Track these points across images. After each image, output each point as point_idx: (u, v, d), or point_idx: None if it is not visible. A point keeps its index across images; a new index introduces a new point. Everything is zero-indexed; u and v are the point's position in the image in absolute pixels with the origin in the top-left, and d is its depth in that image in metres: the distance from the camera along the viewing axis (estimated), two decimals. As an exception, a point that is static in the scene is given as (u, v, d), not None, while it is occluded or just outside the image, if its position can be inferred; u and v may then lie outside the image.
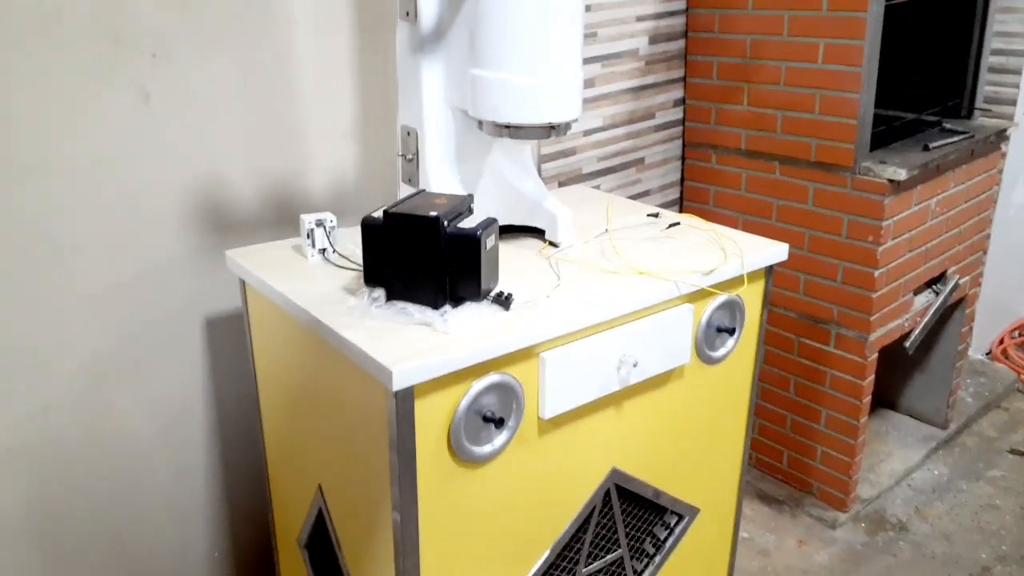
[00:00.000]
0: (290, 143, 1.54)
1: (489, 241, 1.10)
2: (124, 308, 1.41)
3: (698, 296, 1.31)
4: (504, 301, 1.13)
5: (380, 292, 1.13)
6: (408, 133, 1.38)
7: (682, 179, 2.36)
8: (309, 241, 1.32)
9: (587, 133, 2.06)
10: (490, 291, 1.14)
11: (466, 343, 1.05)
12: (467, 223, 1.10)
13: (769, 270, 1.44)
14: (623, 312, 1.21)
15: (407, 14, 1.31)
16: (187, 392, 1.54)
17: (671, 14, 2.16)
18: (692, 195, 2.34)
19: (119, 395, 1.45)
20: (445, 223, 1.07)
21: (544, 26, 1.17)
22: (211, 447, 1.60)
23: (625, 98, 2.13)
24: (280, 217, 1.56)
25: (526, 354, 1.12)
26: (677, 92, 2.26)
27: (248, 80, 1.45)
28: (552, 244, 1.42)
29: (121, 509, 1.51)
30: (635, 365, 1.23)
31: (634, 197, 2.25)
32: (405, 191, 1.43)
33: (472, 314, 1.11)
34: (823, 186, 2.00)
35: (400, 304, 1.11)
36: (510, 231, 1.45)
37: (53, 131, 1.28)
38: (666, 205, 2.35)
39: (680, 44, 2.21)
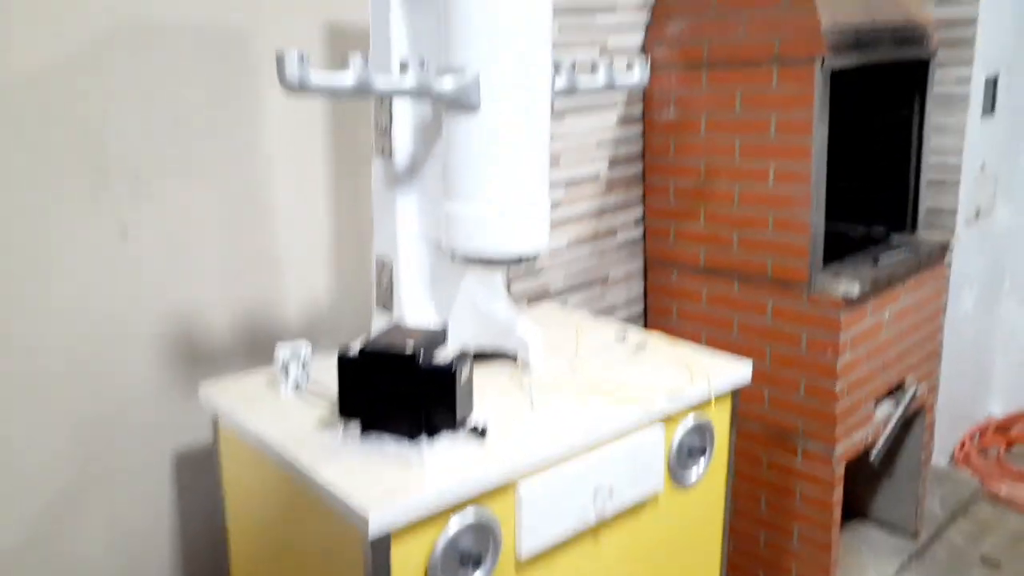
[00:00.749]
0: (265, 271, 1.55)
1: (464, 373, 1.11)
2: (91, 444, 1.38)
3: (669, 418, 1.32)
4: (480, 433, 1.13)
5: (355, 425, 1.12)
6: (383, 263, 1.41)
7: (645, 294, 2.42)
8: (283, 372, 1.31)
9: (553, 253, 2.12)
10: (466, 421, 1.13)
11: (443, 479, 1.04)
12: (441, 356, 1.11)
13: (736, 391, 1.47)
14: (597, 438, 1.21)
15: (383, 150, 1.36)
16: (153, 530, 1.48)
17: (628, 140, 2.26)
18: (656, 310, 2.39)
19: (81, 535, 1.39)
20: (420, 359, 1.07)
21: (512, 162, 1.23)
22: (172, 586, 1.53)
23: (588, 219, 2.20)
24: (254, 345, 1.55)
25: (502, 487, 1.11)
26: (637, 212, 2.34)
27: (225, 211, 1.47)
28: (524, 368, 1.43)
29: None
30: (611, 493, 1.22)
31: (600, 312, 2.29)
32: (379, 317, 1.45)
33: (448, 446, 1.10)
34: (781, 302, 2.07)
35: (375, 437, 1.10)
36: (483, 355, 1.46)
37: (29, 268, 1.27)
38: (631, 319, 2.39)
39: (638, 167, 2.31)
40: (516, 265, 1.29)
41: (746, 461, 2.20)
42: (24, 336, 1.29)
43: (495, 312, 1.44)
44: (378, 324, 1.45)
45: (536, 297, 2.09)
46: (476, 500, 1.07)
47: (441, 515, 1.04)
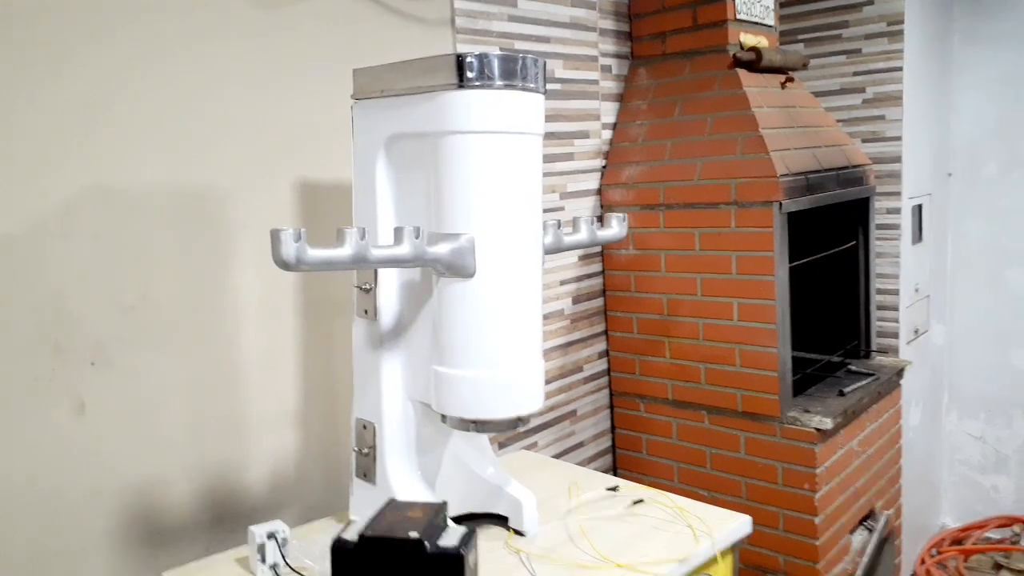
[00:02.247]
0: (230, 435, 1.46)
1: (472, 557, 1.04)
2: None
3: (674, 583, 1.27)
4: (489, 620, 1.05)
5: (354, 622, 1.03)
6: (364, 427, 1.34)
7: (613, 428, 2.39)
8: (259, 556, 1.21)
9: (522, 393, 2.08)
10: (473, 610, 1.06)
11: None
12: (447, 538, 1.04)
13: (736, 545, 1.43)
14: (608, 615, 1.15)
15: (365, 312, 1.32)
16: None
17: (589, 276, 2.29)
18: (624, 443, 2.35)
19: None
20: (428, 544, 1.01)
21: (509, 326, 1.21)
22: None
23: (555, 355, 2.18)
24: (219, 517, 1.44)
25: None
26: (601, 345, 2.34)
27: (190, 377, 1.40)
28: (517, 532, 1.36)
29: None
30: (624, 673, 1.15)
31: (570, 450, 2.24)
32: (359, 487, 1.37)
33: (456, 640, 1.02)
34: (754, 435, 2.07)
35: (378, 636, 1.01)
36: (471, 518, 1.39)
37: (-26, 452, 1.16)
38: (599, 455, 2.35)
39: (600, 302, 2.33)
40: (512, 429, 1.25)
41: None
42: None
43: (484, 473, 1.39)
44: (358, 497, 1.37)
45: (506, 440, 2.03)
46: None
47: None
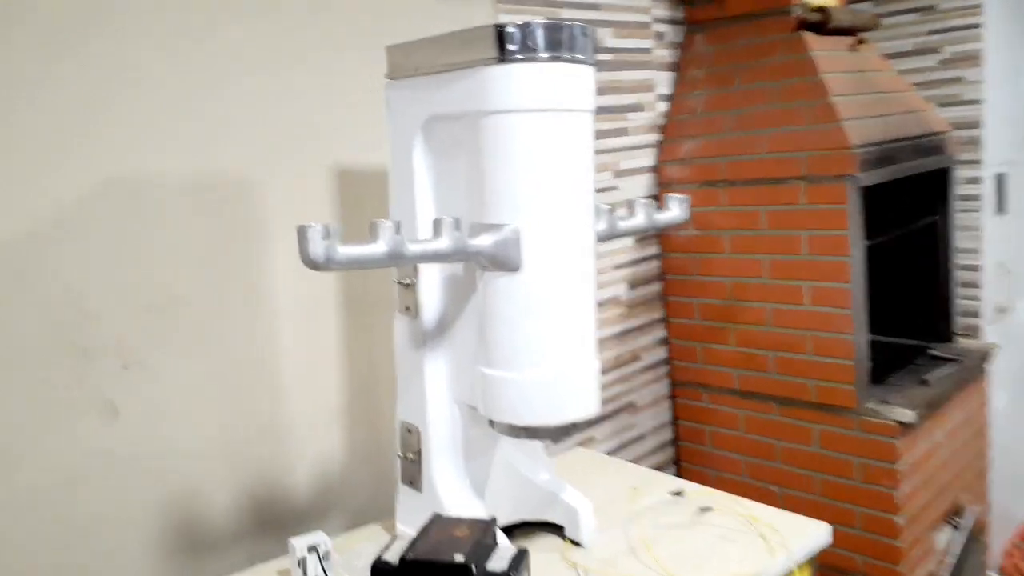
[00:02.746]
0: (270, 438, 1.39)
1: (524, 579, 0.95)
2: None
3: (748, 600, 1.16)
4: (544, 650, 0.96)
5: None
6: (408, 431, 1.26)
7: (674, 419, 2.27)
8: (300, 570, 1.14)
9: (577, 385, 1.97)
10: (527, 638, 0.96)
11: None
12: (497, 559, 0.95)
13: (814, 557, 1.31)
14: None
15: (407, 308, 1.23)
16: None
17: (646, 259, 2.16)
18: (687, 435, 2.23)
19: None
20: (475, 569, 0.91)
21: (560, 323, 1.10)
22: None
23: (612, 344, 2.07)
24: (261, 524, 1.38)
25: None
26: (660, 332, 2.22)
27: (228, 376, 1.33)
28: (574, 543, 1.26)
29: None
30: None
31: (629, 443, 2.13)
32: (405, 494, 1.29)
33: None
34: (828, 428, 1.92)
35: (423, 669, 0.93)
36: (524, 527, 1.30)
37: (7, 461, 1.11)
38: (660, 447, 2.24)
39: (658, 287, 2.20)
40: (566, 436, 1.14)
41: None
42: (4, 530, 1.11)
43: (537, 479, 1.29)
44: (404, 505, 1.29)
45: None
46: None
47: None
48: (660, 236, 2.18)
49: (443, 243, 1.03)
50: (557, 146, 1.07)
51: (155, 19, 1.22)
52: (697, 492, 1.44)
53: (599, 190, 1.98)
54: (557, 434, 1.14)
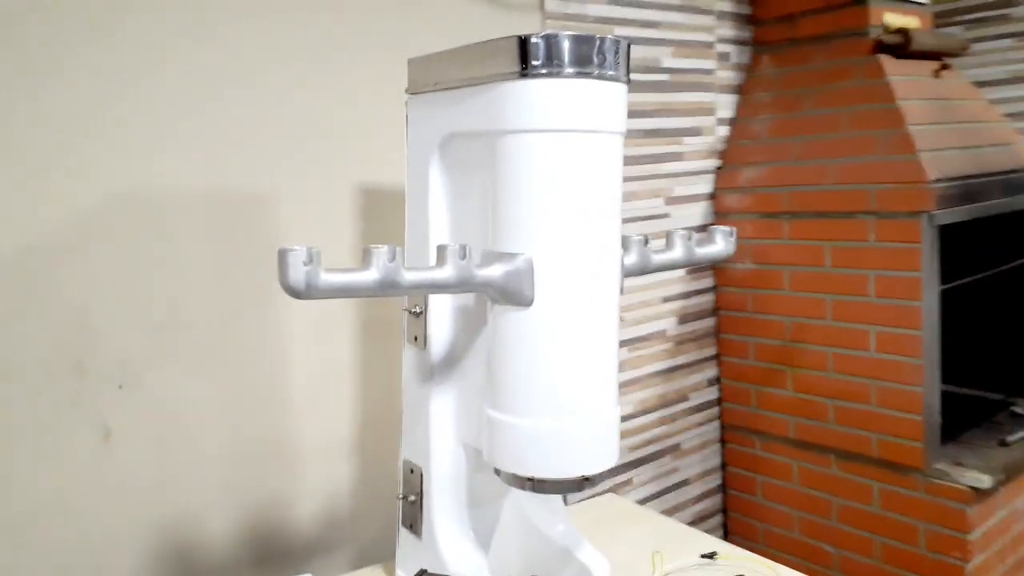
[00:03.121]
0: (274, 467, 1.32)
1: (510, 657, 0.84)
2: None
3: None
4: None
5: None
6: (411, 470, 1.17)
7: (723, 465, 2.12)
8: (285, 616, 1.06)
9: (616, 424, 1.85)
10: None
11: None
12: (481, 631, 0.84)
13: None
14: None
15: (415, 339, 1.15)
16: None
17: (698, 292, 2.03)
18: (736, 483, 2.08)
19: None
20: (453, 641, 0.81)
21: (574, 365, 0.99)
22: None
23: (655, 381, 1.94)
24: (261, 557, 1.31)
25: None
26: (711, 371, 2.08)
27: (229, 401, 1.27)
28: (587, 607, 1.14)
29: None
30: None
31: (671, 488, 1.99)
32: (405, 538, 1.19)
33: None
34: (890, 487, 1.75)
35: None
36: (534, 584, 1.19)
37: (1, 469, 1.07)
38: (707, 494, 2.09)
39: (711, 322, 2.06)
40: (577, 490, 1.03)
41: None
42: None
43: (551, 533, 1.18)
44: (404, 549, 1.19)
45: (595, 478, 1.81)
46: None
47: None
48: (715, 269, 2.04)
49: (446, 272, 0.94)
50: (579, 170, 0.97)
51: (166, 26, 1.18)
52: (732, 555, 1.30)
53: (649, 217, 1.87)
54: (568, 488, 1.03)
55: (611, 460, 1.04)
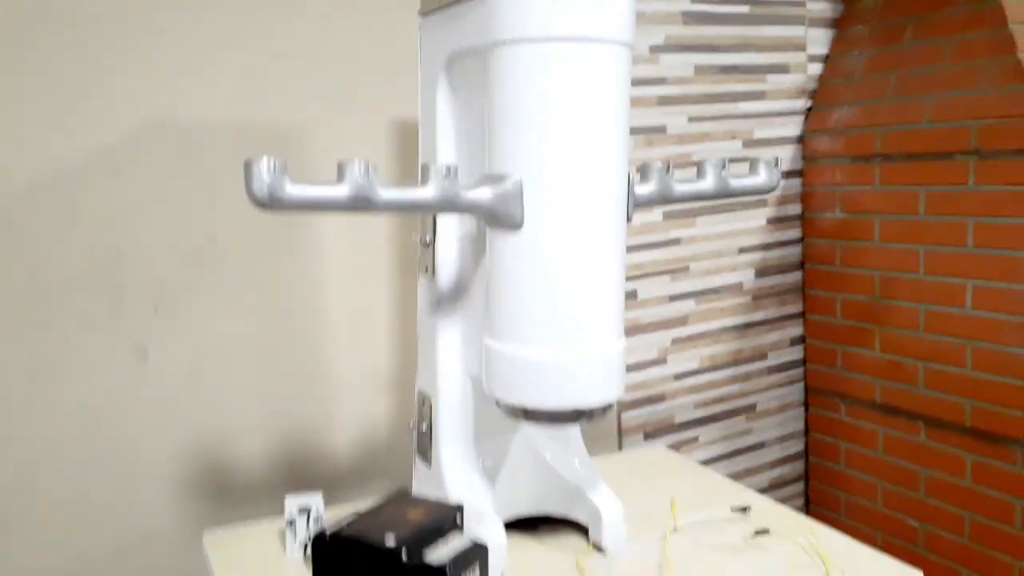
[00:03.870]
0: (312, 395, 1.36)
1: (467, 579, 0.82)
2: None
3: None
4: (487, 663, 0.83)
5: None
6: (423, 401, 1.16)
7: (806, 430, 1.98)
8: (291, 530, 1.09)
9: (679, 377, 1.78)
10: (469, 646, 0.84)
11: None
12: (442, 550, 0.83)
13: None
14: None
15: (425, 269, 1.14)
16: None
17: (782, 244, 1.89)
18: (819, 450, 1.94)
19: None
20: (405, 555, 0.80)
21: (568, 291, 0.95)
22: None
23: (728, 337, 1.84)
24: (294, 481, 1.36)
25: None
26: (794, 329, 1.94)
27: (264, 328, 1.31)
28: (597, 548, 1.11)
29: None
30: None
31: (745, 450, 1.89)
32: (418, 467, 1.20)
33: None
34: (985, 460, 1.57)
35: (346, 657, 0.84)
36: (549, 523, 1.16)
37: (32, 392, 1.16)
38: (786, 460, 1.97)
39: (796, 276, 1.92)
40: (572, 423, 0.99)
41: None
42: (28, 464, 1.17)
43: (563, 467, 1.14)
44: (418, 478, 1.20)
45: (656, 431, 1.75)
46: None
47: None
48: (803, 218, 1.90)
49: (427, 192, 0.91)
50: (575, 83, 0.91)
51: (209, -41, 1.21)
52: (770, 512, 1.21)
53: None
54: (563, 420, 0.99)
55: (610, 395, 0.99)
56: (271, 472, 1.34)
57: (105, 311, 1.20)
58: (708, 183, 1.12)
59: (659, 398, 1.76)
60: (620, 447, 1.71)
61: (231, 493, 1.31)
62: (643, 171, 1.08)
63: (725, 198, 1.18)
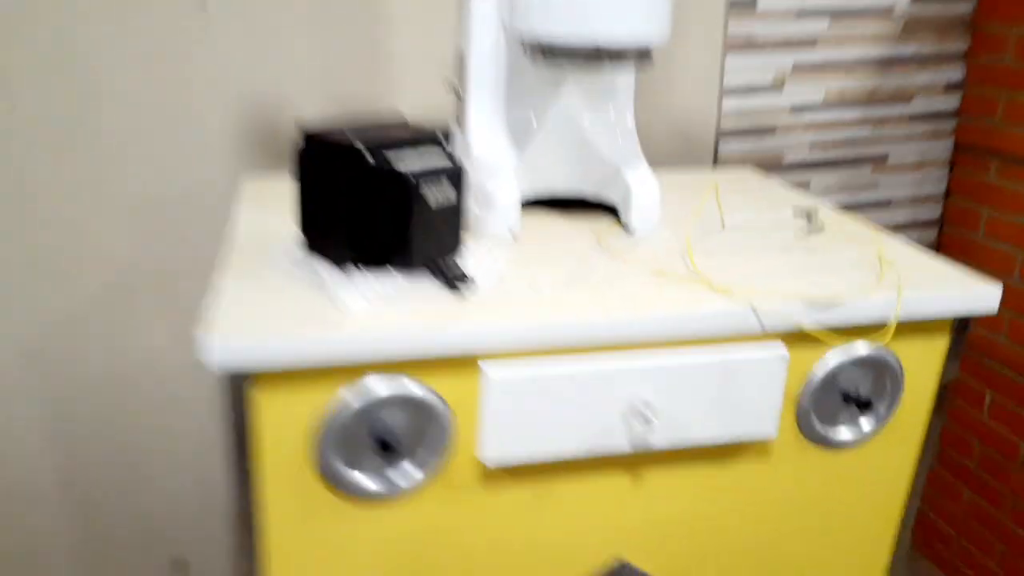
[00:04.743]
0: (372, 71, 1.32)
1: (436, 194, 0.77)
2: (161, 224, 1.31)
3: (805, 336, 0.84)
4: (452, 279, 0.79)
5: (301, 239, 0.86)
6: (460, 57, 1.08)
7: (947, 193, 1.73)
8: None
9: (796, 109, 1.57)
10: (435, 263, 0.80)
11: (355, 325, 0.73)
12: (415, 161, 0.78)
13: (963, 324, 0.90)
14: (646, 333, 0.80)
15: (465, -101, 1.01)
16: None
17: (955, -44, 1.55)
18: (957, 217, 1.70)
19: (147, 311, 1.35)
20: (371, 157, 0.76)
21: None
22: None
23: (864, 70, 1.58)
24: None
25: (462, 365, 0.77)
26: (953, 72, 1.64)
27: (328, 3, 1.26)
28: (625, 229, 1.02)
29: (142, 429, 1.42)
30: (655, 415, 0.81)
31: (867, 206, 1.69)
32: (459, 140, 1.14)
33: (397, 289, 0.79)
34: None
35: (314, 259, 0.83)
36: (583, 206, 1.08)
37: (102, 19, 1.19)
38: (920, 225, 1.74)
39: (964, 6, 1.59)
40: (595, 63, 0.87)
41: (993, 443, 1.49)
42: (91, 111, 1.22)
43: (600, 143, 1.04)
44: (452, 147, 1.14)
45: (759, 166, 1.58)
46: (416, 371, 0.76)
47: (342, 373, 0.74)
48: (988, -69, 1.54)
49: None
50: None
51: None
52: (840, 224, 1.06)
53: None
54: (580, 57, 0.87)
55: (637, 32, 0.86)
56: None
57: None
58: None
59: (768, 130, 1.57)
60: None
61: (285, 153, 1.32)
62: None
63: None
